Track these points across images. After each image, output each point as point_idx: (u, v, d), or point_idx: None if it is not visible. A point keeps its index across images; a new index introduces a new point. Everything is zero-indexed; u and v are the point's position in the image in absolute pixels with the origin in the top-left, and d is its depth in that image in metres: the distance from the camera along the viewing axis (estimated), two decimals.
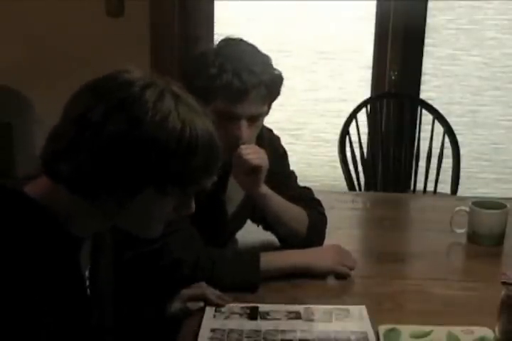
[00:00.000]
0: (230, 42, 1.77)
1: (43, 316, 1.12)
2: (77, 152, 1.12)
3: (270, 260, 1.75)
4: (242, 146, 1.73)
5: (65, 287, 1.18)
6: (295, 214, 1.89)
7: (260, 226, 1.99)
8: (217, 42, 1.78)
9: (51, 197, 1.17)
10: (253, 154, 1.74)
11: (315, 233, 1.92)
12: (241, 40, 1.78)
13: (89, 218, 1.21)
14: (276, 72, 1.75)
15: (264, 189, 1.80)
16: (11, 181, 1.24)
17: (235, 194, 1.88)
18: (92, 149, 1.12)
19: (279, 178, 1.91)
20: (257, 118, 1.74)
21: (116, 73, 1.17)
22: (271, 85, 1.72)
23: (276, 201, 1.84)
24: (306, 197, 1.98)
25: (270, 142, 1.95)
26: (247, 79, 1.67)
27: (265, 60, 1.74)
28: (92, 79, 1.18)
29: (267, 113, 1.79)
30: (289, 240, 1.90)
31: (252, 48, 1.76)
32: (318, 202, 2.01)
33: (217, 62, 1.68)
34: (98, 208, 1.18)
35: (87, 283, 1.27)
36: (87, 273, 1.27)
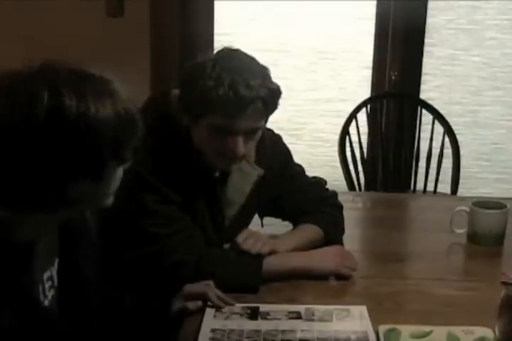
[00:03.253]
0: (228, 53, 1.71)
1: None
2: None
3: (272, 262, 1.75)
4: (240, 240, 1.76)
5: (15, 295, 1.15)
6: (311, 242, 1.89)
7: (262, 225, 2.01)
8: (216, 52, 1.73)
9: None
10: (250, 245, 1.76)
11: (332, 237, 1.94)
12: (240, 51, 1.73)
13: (32, 221, 1.17)
14: (274, 86, 1.70)
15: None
16: None
17: (235, 197, 1.87)
18: None
19: (290, 173, 2.00)
20: (253, 132, 1.72)
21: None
22: (268, 100, 1.67)
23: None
24: (317, 194, 2.01)
25: (273, 143, 1.96)
26: (243, 94, 1.62)
27: (264, 73, 1.69)
28: None
29: (264, 126, 1.77)
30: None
31: (251, 60, 1.71)
32: (329, 194, 2.05)
33: (214, 74, 1.63)
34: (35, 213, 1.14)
35: (55, 279, 1.26)
36: (52, 271, 1.25)
